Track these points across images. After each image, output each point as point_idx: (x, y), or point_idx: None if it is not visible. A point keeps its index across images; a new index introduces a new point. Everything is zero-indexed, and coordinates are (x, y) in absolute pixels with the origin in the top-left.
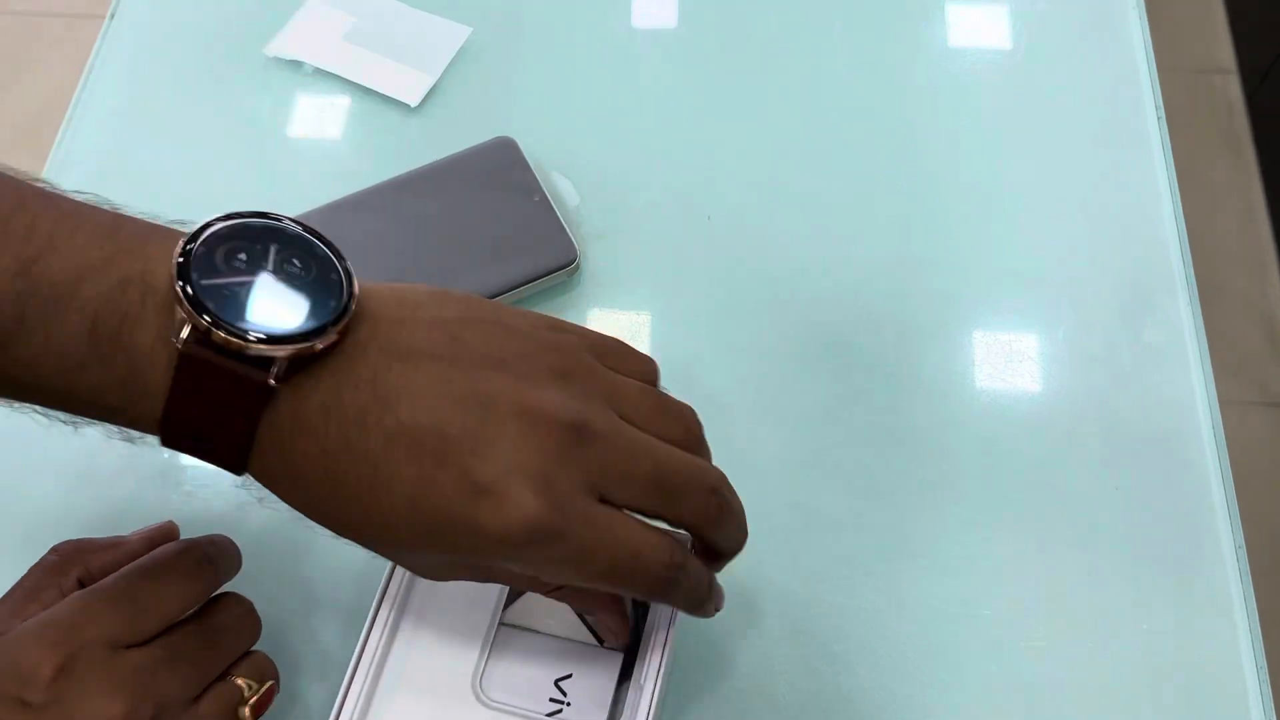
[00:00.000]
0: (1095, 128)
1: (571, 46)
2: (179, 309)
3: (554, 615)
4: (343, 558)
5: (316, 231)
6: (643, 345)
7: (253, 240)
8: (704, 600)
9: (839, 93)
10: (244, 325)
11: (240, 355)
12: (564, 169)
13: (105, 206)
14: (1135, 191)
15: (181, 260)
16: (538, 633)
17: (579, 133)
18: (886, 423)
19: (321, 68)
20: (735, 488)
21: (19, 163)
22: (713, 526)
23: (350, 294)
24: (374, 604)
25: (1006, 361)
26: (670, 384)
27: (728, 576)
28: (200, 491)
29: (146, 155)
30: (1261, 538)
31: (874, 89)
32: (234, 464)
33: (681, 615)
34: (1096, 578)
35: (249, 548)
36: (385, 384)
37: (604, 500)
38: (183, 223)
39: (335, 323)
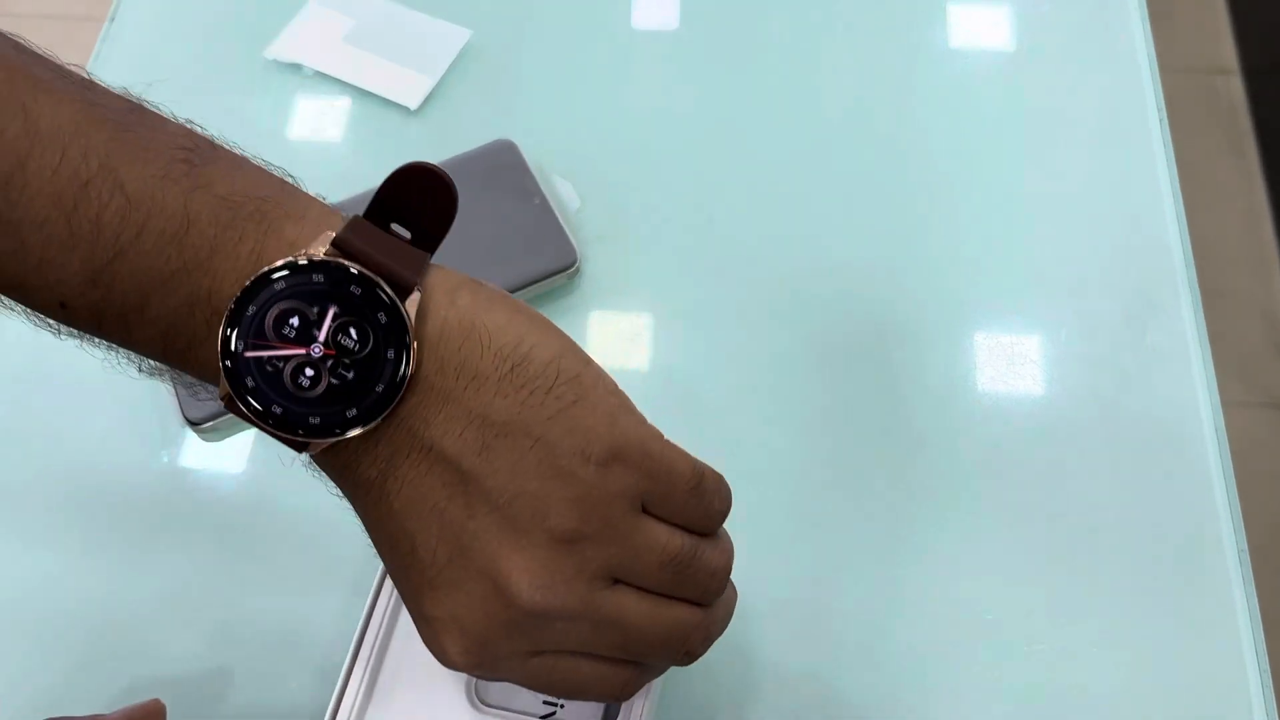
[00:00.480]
0: (1097, 129)
1: (572, 49)
2: (220, 383)
3: None
4: (337, 559)
5: (384, 286)
6: (643, 348)
7: (310, 301)
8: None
9: (841, 95)
10: (280, 415)
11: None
12: (564, 172)
13: (170, 165)
14: (1137, 193)
15: (230, 327)
16: None
17: (580, 135)
18: (888, 426)
19: (321, 71)
20: (736, 491)
21: None
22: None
23: (401, 383)
24: (367, 606)
25: (1009, 364)
26: (671, 389)
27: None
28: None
29: None
30: (1265, 539)
31: (876, 91)
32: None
33: None
34: (1099, 580)
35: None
36: (397, 470)
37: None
38: (265, 203)
39: (370, 421)
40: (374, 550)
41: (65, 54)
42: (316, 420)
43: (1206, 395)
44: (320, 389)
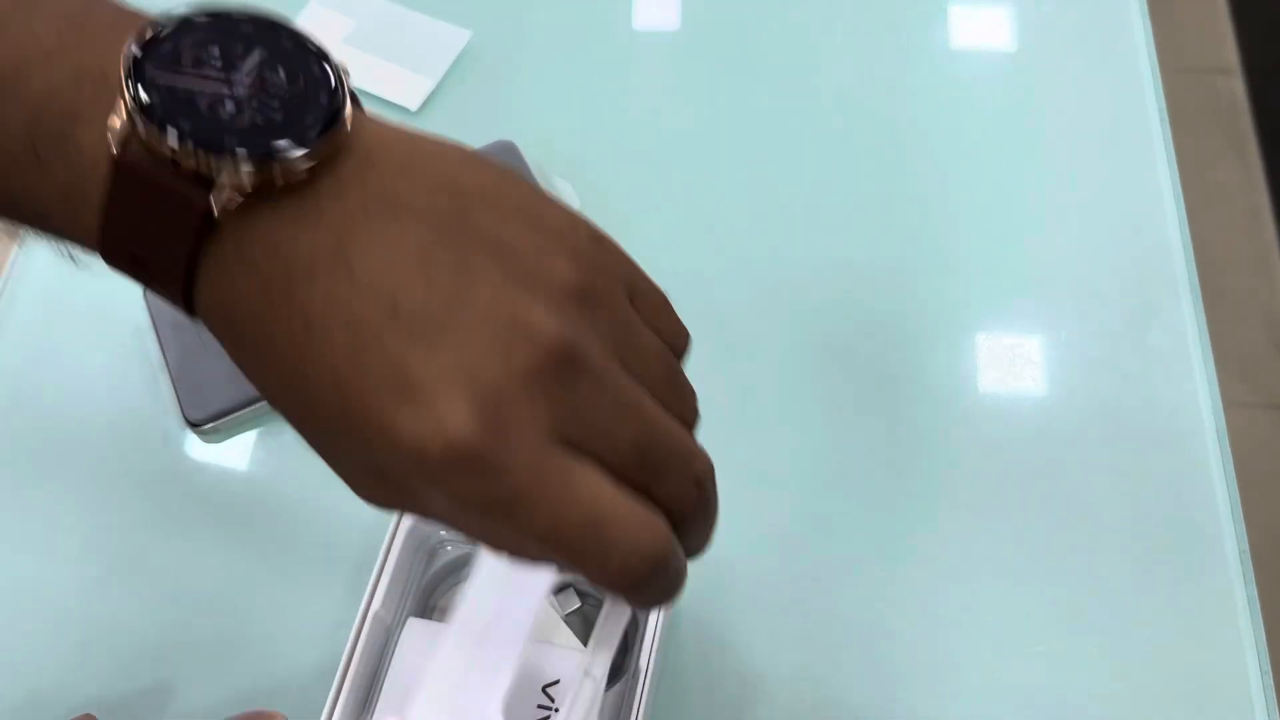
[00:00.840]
0: (1098, 129)
1: (572, 49)
2: (121, 105)
3: (539, 622)
4: (339, 561)
5: (321, 47)
6: None
7: (235, 40)
8: (665, 604)
9: (841, 96)
10: (193, 136)
11: (188, 173)
12: (565, 172)
13: None
14: (1138, 193)
15: (140, 52)
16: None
17: (580, 136)
18: (889, 426)
19: None
20: (737, 491)
21: None
22: (687, 521)
23: (337, 118)
24: (361, 610)
25: (1009, 365)
26: None
27: (728, 574)
28: None
29: None
30: (1266, 541)
31: (876, 92)
32: (177, 297)
33: (670, 616)
34: (1100, 582)
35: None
36: (353, 234)
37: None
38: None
39: (305, 148)
40: (379, 545)
41: None
42: (236, 146)
43: (1208, 396)
44: (243, 119)
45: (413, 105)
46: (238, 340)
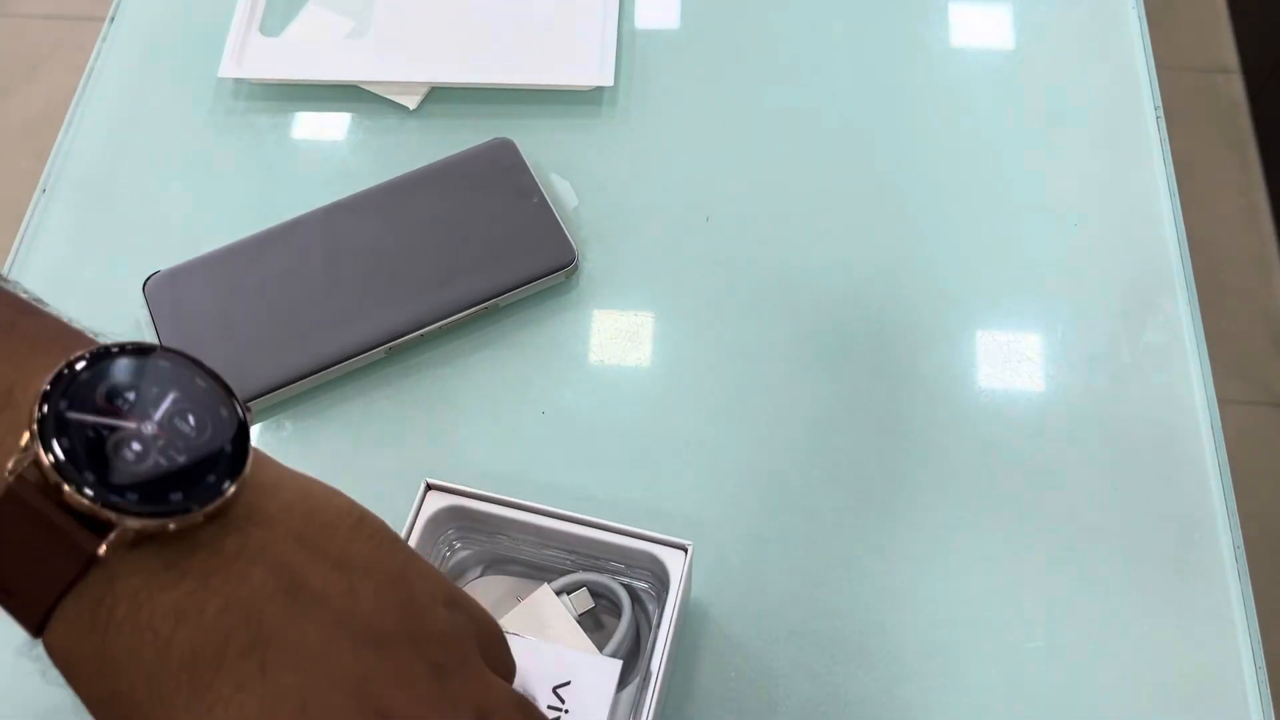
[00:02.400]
0: (1095, 128)
1: None
2: (27, 435)
3: (554, 623)
4: None
5: (231, 390)
6: (642, 346)
7: (151, 380)
8: None
9: (839, 93)
10: (92, 479)
11: (75, 511)
12: (563, 170)
13: (18, 298)
14: (1135, 191)
15: (57, 383)
16: (538, 639)
17: (578, 133)
18: (886, 424)
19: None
20: (735, 489)
21: (20, 165)
22: None
23: (237, 473)
24: None
25: (1006, 362)
26: (669, 385)
27: (729, 573)
28: None
29: (146, 156)
30: (1261, 537)
31: (874, 89)
32: (31, 626)
33: (678, 620)
34: (1096, 579)
35: None
36: (261, 617)
37: None
38: (98, 334)
39: (202, 503)
40: None
41: (66, 54)
42: (134, 497)
43: (1203, 393)
44: (146, 466)
45: (411, 104)
46: (109, 690)
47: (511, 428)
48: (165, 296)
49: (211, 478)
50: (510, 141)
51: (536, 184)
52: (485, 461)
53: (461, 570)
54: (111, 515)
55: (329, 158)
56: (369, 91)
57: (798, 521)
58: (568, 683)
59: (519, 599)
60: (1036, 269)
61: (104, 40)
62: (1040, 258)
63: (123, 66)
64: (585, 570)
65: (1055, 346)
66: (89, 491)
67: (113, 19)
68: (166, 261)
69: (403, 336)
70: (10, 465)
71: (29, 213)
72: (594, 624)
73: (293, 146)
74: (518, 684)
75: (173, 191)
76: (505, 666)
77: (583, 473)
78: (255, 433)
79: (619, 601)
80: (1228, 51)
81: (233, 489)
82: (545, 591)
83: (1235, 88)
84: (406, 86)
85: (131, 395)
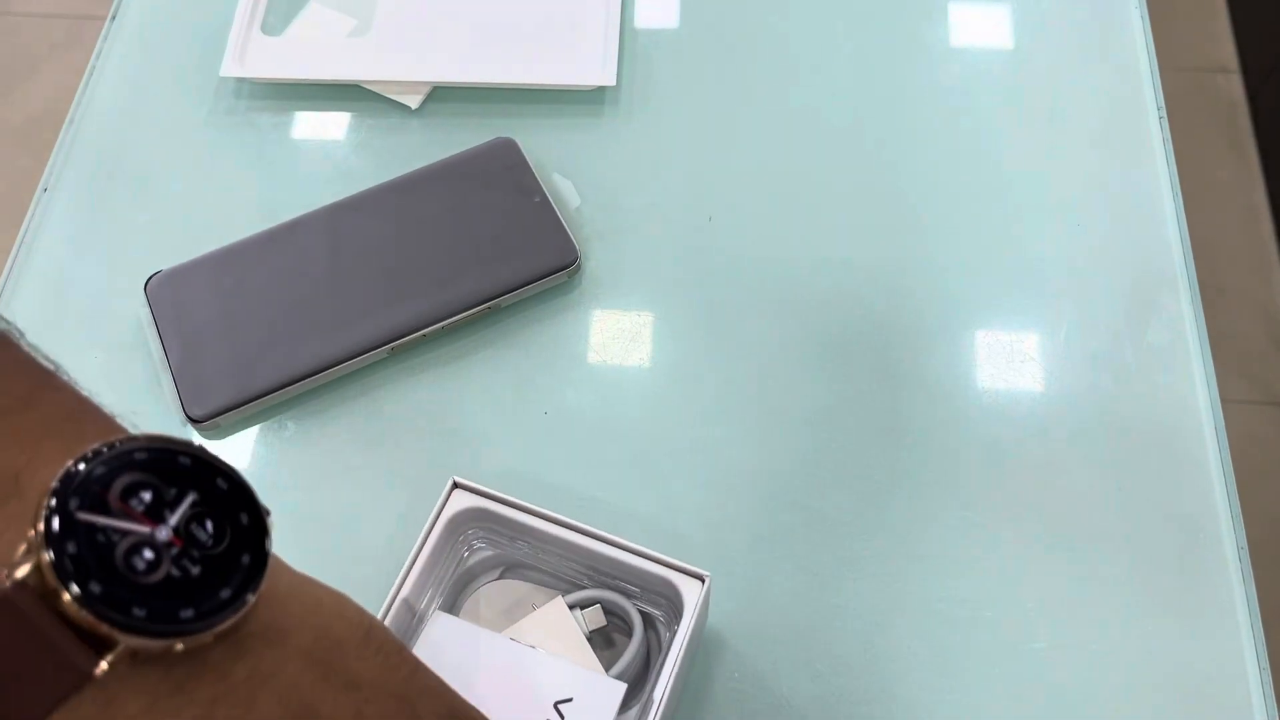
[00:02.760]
0: (1097, 127)
1: None
2: (31, 536)
3: (564, 637)
4: (344, 559)
5: (253, 493)
6: (644, 345)
7: (169, 481)
8: None
9: (841, 93)
10: (99, 593)
11: (77, 626)
12: (565, 170)
13: (43, 370)
14: (1137, 191)
15: (69, 477)
16: (545, 652)
17: (580, 133)
18: (888, 423)
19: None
20: (735, 490)
21: (21, 163)
22: None
23: (252, 588)
24: (391, 593)
25: (1008, 362)
26: (671, 385)
27: (731, 575)
28: None
29: (147, 156)
30: (1264, 537)
31: (876, 89)
32: None
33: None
34: (1099, 578)
35: None
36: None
37: None
38: (116, 416)
39: (211, 624)
40: (388, 546)
41: (68, 52)
42: (142, 613)
43: (1206, 393)
44: (157, 576)
45: (413, 103)
46: None
47: (514, 428)
48: (167, 296)
49: (226, 592)
50: (512, 141)
51: (539, 183)
52: (488, 461)
53: (479, 571)
54: (115, 634)
55: (331, 157)
56: (371, 91)
57: (799, 520)
58: (570, 699)
59: (534, 606)
60: (1038, 269)
61: (105, 39)
62: (1042, 257)
63: (124, 65)
64: (601, 587)
65: (1057, 346)
66: (93, 605)
67: (114, 17)
68: (168, 261)
69: (405, 336)
70: (8, 568)
71: (30, 212)
72: (604, 641)
73: (294, 146)
74: (518, 695)
75: (174, 191)
76: None
77: (585, 472)
78: (254, 433)
79: (631, 623)
80: (1227, 51)
81: (247, 608)
82: (559, 604)
83: (1235, 87)
84: (408, 86)
85: (147, 496)
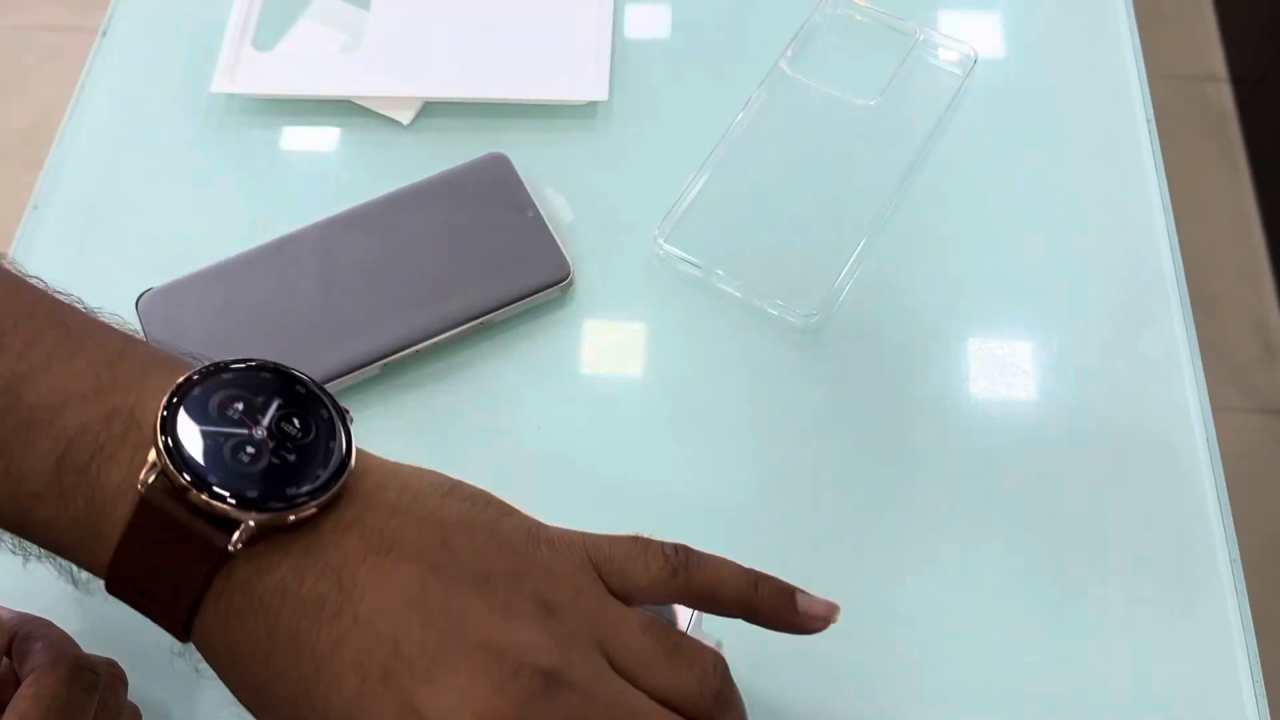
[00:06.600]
0: (1086, 137)
1: None
2: (154, 449)
3: None
4: None
5: (329, 393)
6: (636, 361)
7: (255, 391)
8: None
9: (829, 103)
10: (216, 481)
11: (206, 513)
12: (557, 184)
13: (121, 328)
14: (1127, 200)
15: (174, 400)
16: None
17: (572, 148)
18: (882, 435)
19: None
20: (731, 503)
21: (12, 177)
22: None
23: (344, 467)
24: None
25: (1000, 373)
26: (664, 401)
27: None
28: None
29: (140, 169)
30: (1257, 546)
31: (865, 99)
32: (176, 628)
33: None
34: (1091, 588)
35: None
36: (354, 577)
37: None
38: (195, 357)
39: (315, 496)
40: None
41: (60, 65)
42: (254, 494)
43: (1198, 402)
44: (261, 465)
45: (405, 119)
46: (242, 676)
47: (506, 443)
48: (158, 314)
49: (321, 472)
50: (504, 156)
51: (531, 198)
52: (481, 478)
53: None
54: (238, 513)
55: (322, 173)
56: (362, 106)
57: (793, 532)
58: None
59: None
60: (1030, 279)
61: (96, 53)
62: (1033, 269)
63: (115, 80)
64: None
65: (1050, 357)
66: (218, 491)
67: (105, 32)
68: (159, 278)
69: (397, 353)
70: (141, 477)
71: (20, 229)
72: None
73: (286, 161)
74: None
75: (165, 207)
76: (630, 584)
77: (579, 487)
78: None
79: None
80: (1216, 60)
81: (340, 482)
82: None
83: (1224, 96)
84: (400, 101)
85: (240, 406)
